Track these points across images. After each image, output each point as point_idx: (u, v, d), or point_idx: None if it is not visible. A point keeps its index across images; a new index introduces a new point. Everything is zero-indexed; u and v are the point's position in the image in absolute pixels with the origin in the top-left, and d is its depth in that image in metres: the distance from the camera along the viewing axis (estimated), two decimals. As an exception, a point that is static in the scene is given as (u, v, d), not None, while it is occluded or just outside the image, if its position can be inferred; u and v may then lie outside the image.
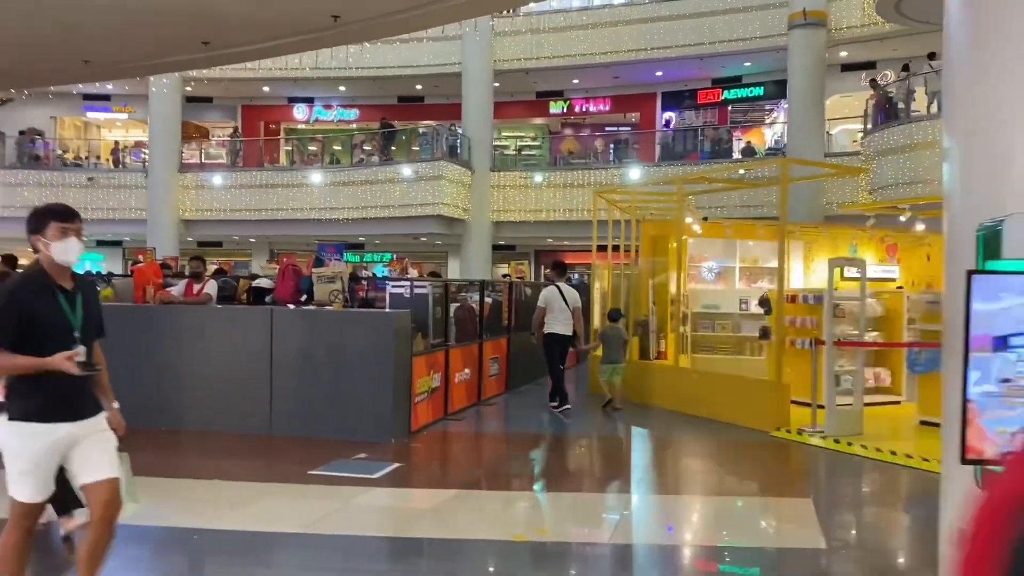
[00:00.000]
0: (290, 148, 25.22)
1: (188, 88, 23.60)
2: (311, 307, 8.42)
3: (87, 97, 25.20)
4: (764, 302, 10.39)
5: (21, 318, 3.22)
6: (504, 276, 22.41)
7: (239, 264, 24.50)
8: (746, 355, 11.55)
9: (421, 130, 23.02)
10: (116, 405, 3.63)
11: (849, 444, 8.17)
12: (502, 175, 21.98)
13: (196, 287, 8.82)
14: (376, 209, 20.83)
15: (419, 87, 24.52)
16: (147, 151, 23.37)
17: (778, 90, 21.51)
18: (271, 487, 6.30)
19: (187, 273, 9.82)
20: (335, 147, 24.71)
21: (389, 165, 21.44)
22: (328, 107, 26.16)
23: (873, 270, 10.89)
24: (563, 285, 10.13)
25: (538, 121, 26.05)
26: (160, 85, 22.41)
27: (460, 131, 21.61)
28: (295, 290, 8.74)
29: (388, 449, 7.58)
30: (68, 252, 3.33)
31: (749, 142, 21.50)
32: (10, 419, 3.30)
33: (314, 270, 8.87)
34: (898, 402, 10.41)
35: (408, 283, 9.23)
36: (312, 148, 24.72)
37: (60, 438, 3.33)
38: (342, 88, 24.94)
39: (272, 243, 25.26)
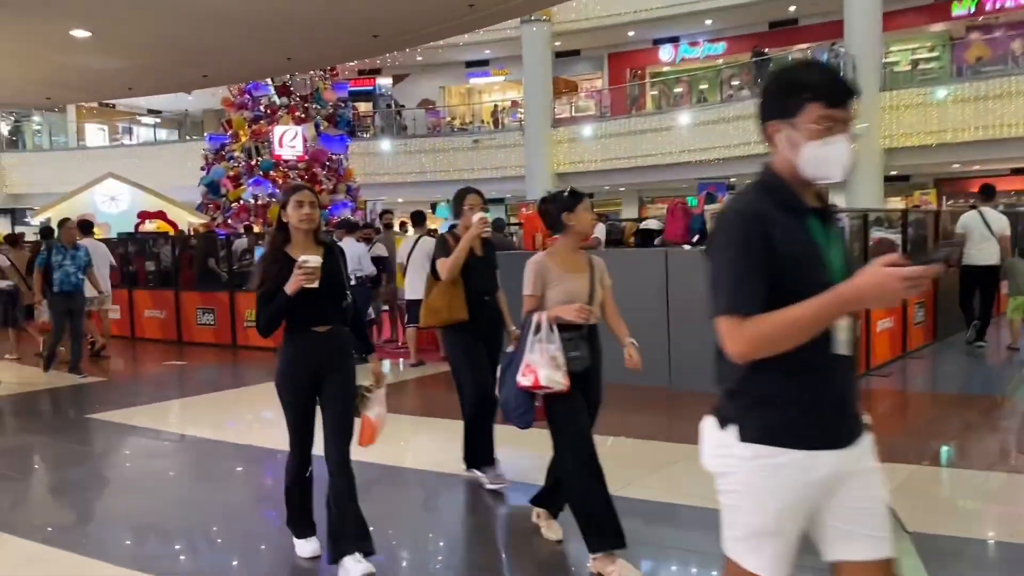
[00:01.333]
0: (655, 92, 24.63)
1: (557, 44, 24.03)
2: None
3: (469, 64, 26.99)
4: None
5: (770, 256, 1.87)
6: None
7: (610, 216, 24.70)
8: None
9: (794, 56, 20.90)
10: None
11: None
12: (894, 95, 19.02)
13: (583, 232, 8.53)
14: (748, 146, 19.26)
15: (792, 8, 22.25)
16: (523, 110, 24.36)
17: None
18: (675, 449, 5.68)
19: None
20: (701, 86, 23.59)
21: (762, 97, 19.76)
22: (694, 44, 24.96)
23: None
24: (987, 209, 9.06)
25: (937, 28, 22.23)
26: (532, 42, 23.07)
27: (843, 50, 19.12)
28: (685, 230, 8.02)
29: (804, 408, 6.54)
30: (831, 162, 1.89)
31: None
32: (743, 439, 1.96)
33: (707, 207, 8.05)
34: None
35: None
36: (678, 90, 23.88)
37: (820, 478, 1.95)
38: (708, 21, 23.56)
39: (640, 191, 25.01)
